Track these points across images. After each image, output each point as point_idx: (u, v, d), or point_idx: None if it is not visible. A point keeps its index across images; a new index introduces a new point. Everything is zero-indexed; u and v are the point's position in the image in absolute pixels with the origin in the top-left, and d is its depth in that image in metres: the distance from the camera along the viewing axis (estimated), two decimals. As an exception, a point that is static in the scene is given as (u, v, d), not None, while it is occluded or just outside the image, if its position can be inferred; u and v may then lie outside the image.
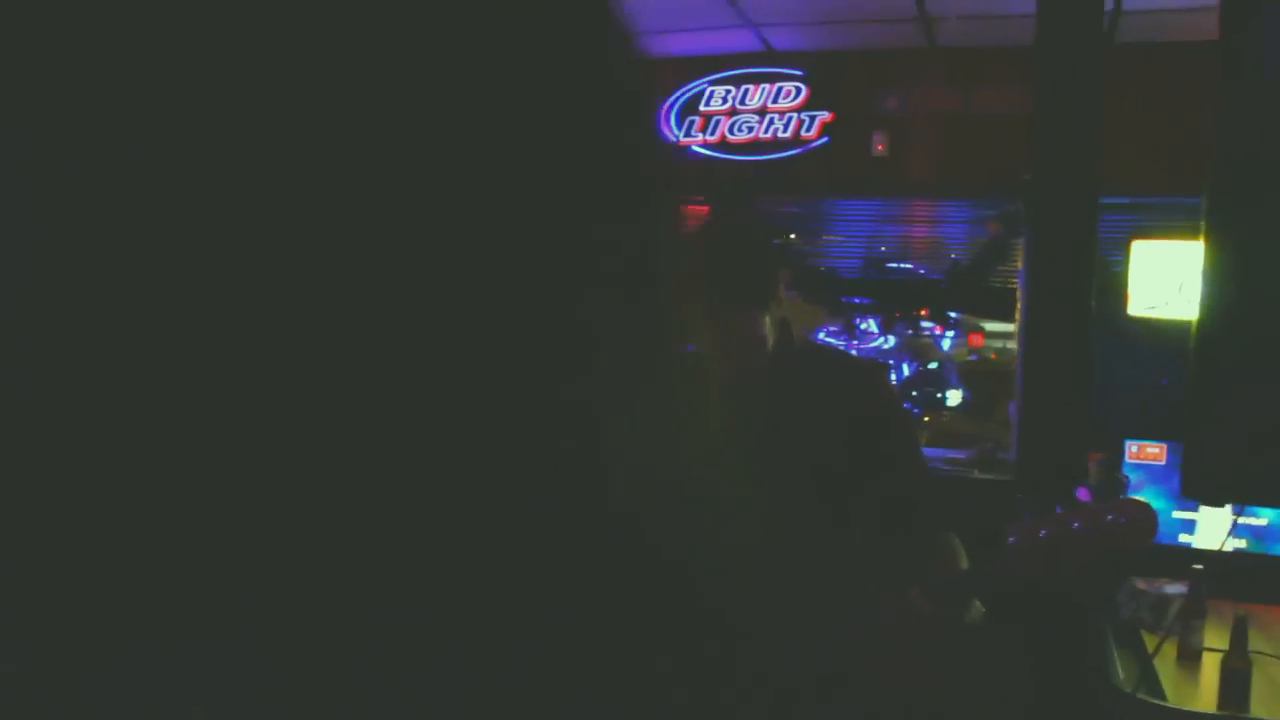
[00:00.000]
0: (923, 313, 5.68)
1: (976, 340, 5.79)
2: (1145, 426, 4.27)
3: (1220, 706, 2.77)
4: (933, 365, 5.91)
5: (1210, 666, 2.95)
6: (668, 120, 6.07)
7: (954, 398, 5.85)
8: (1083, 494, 2.05)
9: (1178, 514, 3.86)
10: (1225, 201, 2.19)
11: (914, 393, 5.82)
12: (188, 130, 0.36)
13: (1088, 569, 2.08)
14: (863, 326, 5.95)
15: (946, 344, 5.91)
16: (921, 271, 5.91)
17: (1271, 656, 3.13)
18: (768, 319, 2.50)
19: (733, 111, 5.94)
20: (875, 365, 2.86)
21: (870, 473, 2.44)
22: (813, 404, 2.49)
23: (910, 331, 5.79)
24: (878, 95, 5.77)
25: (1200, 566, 3.17)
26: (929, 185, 5.71)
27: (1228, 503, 2.26)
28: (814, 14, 5.29)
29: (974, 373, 5.81)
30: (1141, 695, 2.80)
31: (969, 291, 5.60)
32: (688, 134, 6.02)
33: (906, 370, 5.92)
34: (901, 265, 5.95)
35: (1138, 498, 1.95)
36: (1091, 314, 3.76)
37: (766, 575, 0.50)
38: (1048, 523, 2.01)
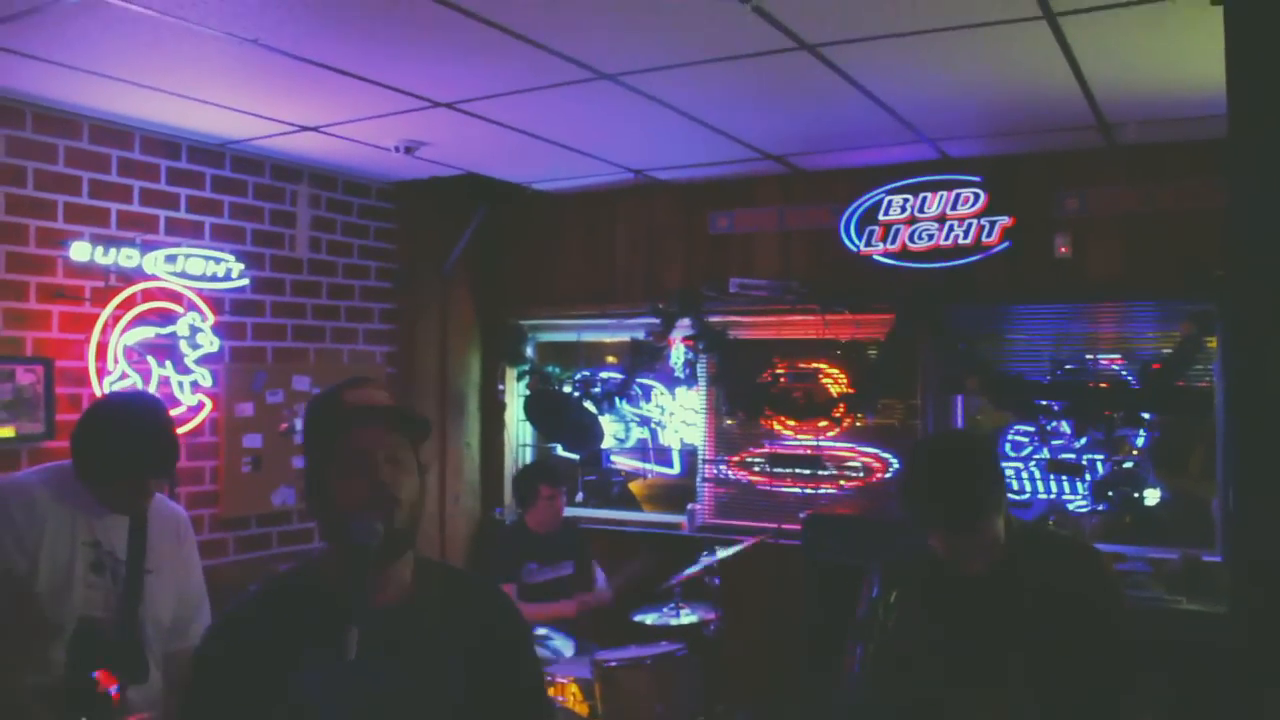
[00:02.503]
0: (1114, 413, 5.63)
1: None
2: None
3: None
4: (1128, 464, 5.84)
5: None
6: (847, 230, 6.21)
7: (1152, 496, 5.76)
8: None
9: None
10: None
11: (1109, 493, 5.76)
12: None
13: None
14: (1051, 427, 5.92)
15: (1140, 442, 5.84)
16: (1113, 371, 5.85)
17: None
18: (1003, 519, 2.79)
19: (912, 220, 6.03)
20: (1093, 552, 2.97)
21: (1085, 661, 2.68)
22: (1038, 598, 2.75)
23: (1102, 434, 5.73)
24: (1058, 197, 5.79)
25: None
26: (1115, 286, 5.68)
27: None
28: (990, 128, 5.37)
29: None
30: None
31: (1162, 391, 5.53)
32: (868, 244, 6.14)
33: (1101, 470, 5.85)
34: (1090, 366, 5.91)
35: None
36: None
37: None
38: None
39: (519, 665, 2.26)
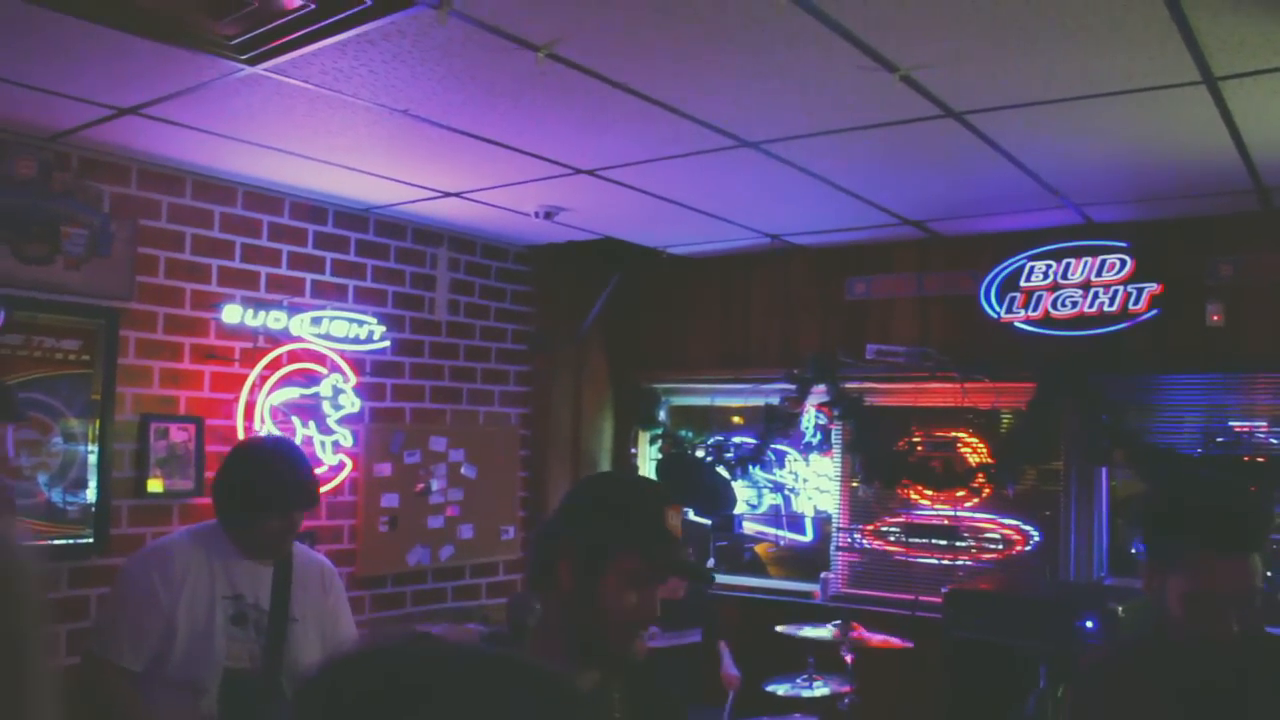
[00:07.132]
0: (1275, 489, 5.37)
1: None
2: None
3: None
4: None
5: None
6: (987, 297, 6.08)
7: (1314, 578, 5.47)
8: None
9: None
10: None
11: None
12: None
13: None
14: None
15: (1300, 519, 5.56)
16: (1270, 444, 5.59)
17: None
18: (1260, 567, 2.13)
19: (1055, 286, 5.88)
20: None
21: None
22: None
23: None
24: (1210, 263, 5.59)
25: None
26: (1273, 356, 5.44)
27: None
28: (1139, 193, 5.23)
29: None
30: None
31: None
32: (1009, 310, 6.00)
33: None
34: (1245, 439, 5.66)
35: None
36: None
37: None
38: None
39: None
